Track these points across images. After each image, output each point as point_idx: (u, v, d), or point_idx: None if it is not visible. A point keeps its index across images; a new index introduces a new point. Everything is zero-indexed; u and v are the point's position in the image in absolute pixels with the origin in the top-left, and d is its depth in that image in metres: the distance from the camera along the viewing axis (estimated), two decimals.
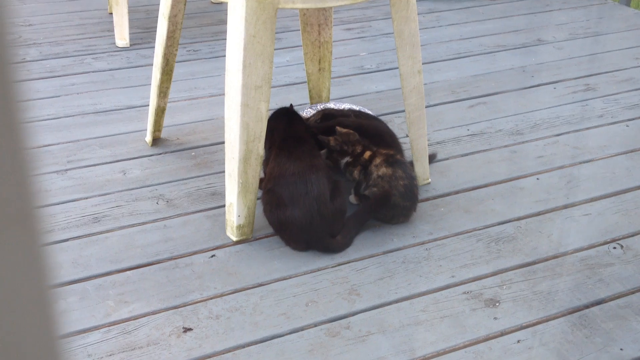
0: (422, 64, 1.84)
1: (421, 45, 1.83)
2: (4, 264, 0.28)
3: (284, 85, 2.57)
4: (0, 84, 0.27)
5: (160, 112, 2.09)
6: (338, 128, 1.83)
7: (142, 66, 2.70)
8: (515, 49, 2.97)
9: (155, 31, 1.99)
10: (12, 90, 0.27)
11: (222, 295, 1.54)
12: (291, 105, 1.91)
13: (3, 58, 0.26)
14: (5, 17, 0.26)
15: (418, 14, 1.79)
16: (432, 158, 2.05)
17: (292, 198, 1.62)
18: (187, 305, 1.51)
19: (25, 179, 0.28)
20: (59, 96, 2.45)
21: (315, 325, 1.46)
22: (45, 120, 2.28)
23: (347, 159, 1.79)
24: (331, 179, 1.69)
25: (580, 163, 2.09)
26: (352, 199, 1.83)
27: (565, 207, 1.88)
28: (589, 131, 2.29)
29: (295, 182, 1.63)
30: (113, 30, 2.93)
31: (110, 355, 1.37)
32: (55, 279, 1.55)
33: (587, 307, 1.52)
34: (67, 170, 2.00)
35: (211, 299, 1.53)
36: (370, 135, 1.87)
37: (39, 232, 0.29)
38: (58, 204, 1.84)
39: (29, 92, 2.46)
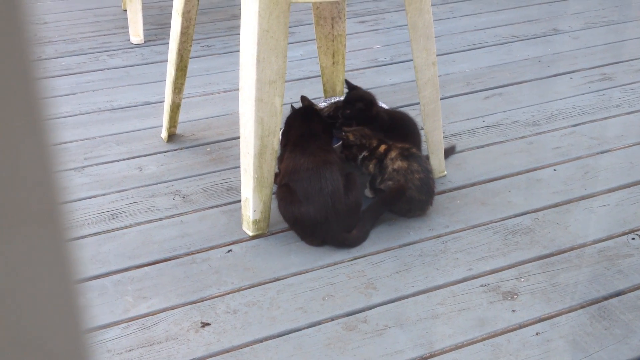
0: (437, 55, 1.83)
1: (435, 37, 1.82)
2: (31, 260, 0.29)
3: (298, 80, 2.57)
4: (23, 81, 0.27)
5: (175, 108, 2.10)
6: (344, 128, 1.83)
7: (156, 62, 2.71)
8: (530, 39, 2.94)
9: (169, 27, 2.00)
10: (34, 88, 0.27)
11: (239, 290, 1.54)
12: (303, 97, 1.92)
13: (25, 56, 0.27)
14: (25, 16, 0.26)
15: (432, 5, 1.78)
16: (451, 151, 2.04)
17: (307, 194, 1.62)
18: (205, 300, 1.51)
19: (49, 175, 0.29)
20: (74, 94, 2.47)
21: (332, 319, 1.46)
22: (62, 117, 2.29)
23: (364, 153, 1.79)
24: (345, 173, 1.69)
25: (597, 153, 2.07)
26: (368, 192, 1.83)
27: (583, 198, 1.86)
28: (607, 121, 2.27)
29: (310, 177, 1.63)
30: (127, 27, 2.95)
31: (130, 350, 1.38)
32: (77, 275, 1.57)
33: (606, 298, 1.51)
34: (84, 167, 2.01)
35: (228, 293, 1.53)
36: (397, 125, 1.88)
37: (63, 228, 0.30)
38: (76, 200, 1.85)
39: (45, 90, 2.47)
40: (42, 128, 0.28)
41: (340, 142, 1.93)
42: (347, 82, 1.99)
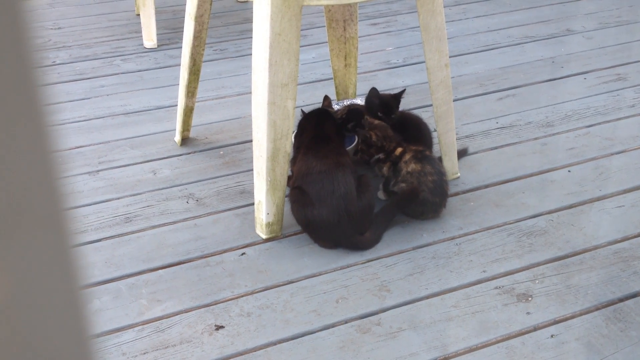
0: (449, 57, 1.83)
1: (448, 38, 1.82)
2: (35, 265, 0.29)
3: (310, 82, 2.58)
4: (26, 88, 0.27)
5: (188, 111, 2.10)
6: (369, 119, 1.81)
7: (170, 66, 2.72)
8: (543, 39, 2.93)
9: (182, 31, 2.01)
10: (38, 94, 0.27)
11: (252, 292, 1.55)
12: (326, 97, 1.92)
13: (28, 63, 0.27)
14: (29, 21, 0.27)
15: (444, 7, 1.77)
16: (463, 153, 2.04)
17: (319, 196, 1.63)
18: (219, 303, 1.52)
19: (53, 181, 0.29)
20: (89, 98, 2.48)
21: (346, 322, 1.46)
22: (76, 122, 2.31)
23: (380, 155, 1.78)
24: (357, 175, 1.69)
25: (612, 154, 2.06)
26: (381, 194, 1.83)
27: (598, 199, 1.85)
28: (621, 122, 2.25)
29: (322, 180, 1.63)
30: (141, 32, 2.96)
31: (144, 353, 1.39)
32: (88, 279, 1.58)
33: (621, 300, 1.50)
34: (98, 171, 2.03)
35: (242, 296, 1.54)
36: (409, 128, 1.88)
37: (69, 234, 0.30)
38: (90, 204, 1.87)
39: (60, 95, 2.49)
40: (45, 134, 0.28)
41: (353, 144, 1.93)
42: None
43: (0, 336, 0.28)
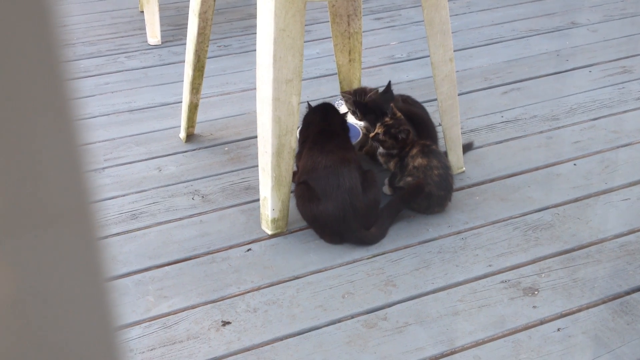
0: (454, 51, 1.83)
1: (452, 32, 1.81)
2: (61, 259, 0.29)
3: (314, 78, 2.57)
4: (53, 82, 0.27)
5: (193, 108, 2.11)
6: (394, 108, 1.80)
7: (174, 63, 2.72)
8: (548, 32, 2.92)
9: (186, 28, 2.01)
10: (64, 88, 0.28)
11: (259, 288, 1.55)
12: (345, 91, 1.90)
13: (55, 57, 0.27)
14: (56, 18, 0.27)
15: (448, 1, 1.77)
16: (468, 147, 2.03)
17: (325, 191, 1.63)
18: (225, 299, 1.52)
19: (79, 174, 0.29)
20: (94, 95, 2.49)
21: (352, 317, 1.46)
22: (81, 119, 2.31)
23: (394, 150, 1.77)
24: (363, 170, 1.69)
25: (618, 147, 2.05)
26: (386, 189, 1.83)
27: (604, 192, 1.85)
28: (627, 114, 2.25)
29: (328, 175, 1.63)
30: (145, 29, 2.96)
31: (152, 349, 1.39)
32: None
33: (628, 293, 1.49)
34: (104, 168, 2.03)
35: (248, 292, 1.54)
36: (415, 123, 1.87)
37: (93, 227, 0.30)
38: (96, 202, 1.87)
39: (74, 91, 2.49)
40: (71, 128, 0.28)
41: (358, 139, 1.92)
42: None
43: (27, 326, 0.28)
